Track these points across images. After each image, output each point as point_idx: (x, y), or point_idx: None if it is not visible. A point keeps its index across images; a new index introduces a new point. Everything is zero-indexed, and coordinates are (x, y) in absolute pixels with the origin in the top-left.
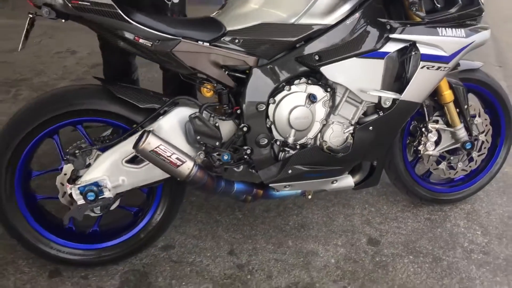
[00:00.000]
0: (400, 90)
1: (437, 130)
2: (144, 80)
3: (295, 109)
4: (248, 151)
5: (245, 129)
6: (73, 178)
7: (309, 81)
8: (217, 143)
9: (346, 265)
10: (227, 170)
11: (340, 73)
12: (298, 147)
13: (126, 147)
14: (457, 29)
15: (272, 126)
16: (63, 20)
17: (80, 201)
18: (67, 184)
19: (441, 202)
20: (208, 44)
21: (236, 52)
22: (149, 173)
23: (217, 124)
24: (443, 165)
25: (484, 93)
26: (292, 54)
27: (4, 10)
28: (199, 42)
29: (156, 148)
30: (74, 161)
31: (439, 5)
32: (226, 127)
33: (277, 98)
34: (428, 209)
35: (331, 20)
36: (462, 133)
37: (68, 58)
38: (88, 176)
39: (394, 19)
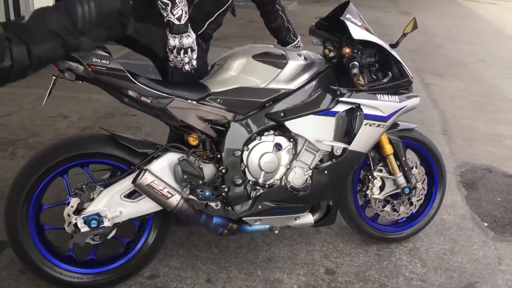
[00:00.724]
0: (349, 142)
1: (381, 178)
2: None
3: (264, 155)
4: (226, 189)
5: (223, 170)
6: (78, 210)
7: (276, 133)
8: (200, 182)
9: None
10: (207, 207)
11: (300, 127)
12: (267, 186)
13: (124, 184)
14: (392, 96)
15: (246, 169)
16: (80, 82)
17: (84, 228)
18: (73, 215)
19: (388, 240)
20: (195, 102)
21: (218, 109)
22: (142, 206)
23: (200, 166)
24: (388, 208)
25: (419, 149)
26: (263, 111)
27: None
28: (189, 100)
29: (151, 182)
30: (81, 195)
31: (374, 77)
32: (208, 169)
33: (250, 146)
34: (377, 246)
35: (293, 85)
36: (401, 181)
37: (60, 122)
38: (92, 208)
39: (344, 87)
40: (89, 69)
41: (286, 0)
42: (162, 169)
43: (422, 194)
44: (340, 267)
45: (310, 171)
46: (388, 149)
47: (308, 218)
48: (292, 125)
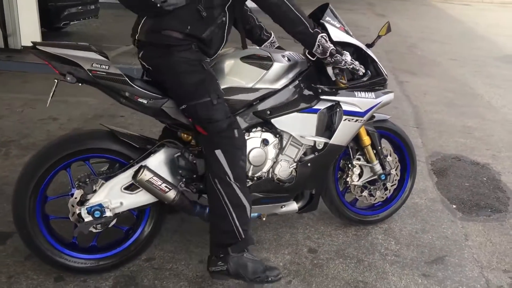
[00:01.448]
0: (329, 136)
1: (360, 166)
2: None
3: (252, 150)
4: None
5: None
6: (82, 201)
7: (263, 129)
8: (194, 176)
9: (292, 267)
10: (200, 199)
11: (285, 123)
12: (255, 179)
13: (124, 177)
14: (369, 93)
15: None
16: (80, 84)
17: (88, 218)
18: (77, 205)
19: (365, 222)
20: None
21: None
22: (141, 198)
23: (194, 161)
24: (365, 193)
25: (393, 138)
26: (251, 109)
27: None
28: None
29: (149, 178)
30: (85, 187)
31: (355, 76)
32: (201, 164)
33: None
34: (355, 228)
35: (278, 85)
36: (378, 168)
37: (50, 124)
38: (94, 199)
39: (324, 84)
40: (90, 74)
41: None
42: (159, 164)
43: (395, 180)
44: (321, 246)
45: (295, 164)
46: (366, 140)
47: (292, 206)
48: (278, 122)
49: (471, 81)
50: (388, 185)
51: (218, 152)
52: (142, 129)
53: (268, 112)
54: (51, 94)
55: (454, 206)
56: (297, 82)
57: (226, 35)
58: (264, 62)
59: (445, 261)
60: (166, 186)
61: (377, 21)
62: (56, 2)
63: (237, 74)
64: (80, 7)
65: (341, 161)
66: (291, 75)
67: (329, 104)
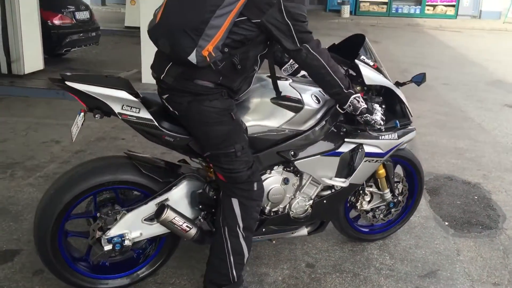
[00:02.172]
0: (347, 176)
1: (371, 193)
2: None
3: (272, 188)
4: None
5: None
6: (102, 227)
7: (285, 169)
8: (213, 210)
9: (290, 281)
10: None
11: (308, 166)
12: (272, 214)
13: (146, 209)
14: (392, 133)
15: None
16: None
17: (108, 247)
18: (98, 231)
19: (362, 240)
20: None
21: None
22: (160, 228)
23: (215, 197)
24: (370, 214)
25: (406, 165)
26: (275, 148)
27: None
28: None
29: (172, 219)
30: (107, 219)
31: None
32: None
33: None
34: (351, 244)
35: (305, 127)
36: (388, 196)
37: (53, 146)
38: (116, 230)
39: (349, 118)
40: (120, 118)
41: None
42: (180, 198)
43: (401, 206)
44: (319, 261)
45: (311, 201)
46: (382, 173)
47: (302, 231)
48: (301, 164)
49: (463, 104)
50: (393, 210)
51: (235, 201)
52: (144, 151)
53: (292, 153)
54: (79, 128)
55: (446, 223)
56: (323, 123)
57: (254, 79)
58: (294, 105)
59: (437, 275)
60: (187, 226)
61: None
62: (58, 29)
63: (265, 115)
64: (81, 34)
65: None
66: (318, 116)
67: (352, 146)
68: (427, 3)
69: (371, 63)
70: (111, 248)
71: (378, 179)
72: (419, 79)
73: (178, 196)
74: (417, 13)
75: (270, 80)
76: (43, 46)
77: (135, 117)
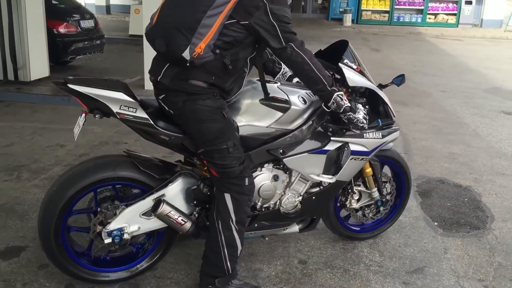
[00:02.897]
0: (335, 172)
1: (359, 192)
2: None
3: (263, 185)
4: None
5: None
6: (102, 221)
7: (275, 166)
8: (207, 206)
9: (283, 275)
10: None
11: (296, 163)
12: (263, 210)
13: (143, 204)
14: (376, 132)
15: None
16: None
17: (107, 240)
18: (98, 225)
19: (353, 238)
20: None
21: None
22: (157, 223)
23: (209, 193)
24: (359, 213)
25: (393, 166)
26: (264, 147)
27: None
28: None
29: (168, 213)
30: (107, 213)
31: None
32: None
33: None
34: (343, 242)
35: (293, 126)
36: (376, 194)
37: (58, 150)
38: (115, 224)
39: (335, 117)
40: (118, 117)
41: None
42: (176, 194)
43: (389, 205)
44: (311, 258)
45: (301, 197)
46: (369, 171)
47: (294, 228)
48: (289, 161)
49: (459, 111)
50: (381, 209)
51: (227, 196)
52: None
53: (281, 151)
54: (80, 127)
55: (435, 224)
56: (310, 122)
57: (244, 82)
58: (281, 105)
59: (424, 271)
60: (182, 220)
61: (371, 55)
62: (63, 37)
63: (255, 115)
64: (86, 42)
65: None
66: (305, 116)
67: (338, 144)
68: (428, 12)
69: (354, 66)
70: (111, 241)
71: (366, 178)
72: (398, 81)
73: (174, 192)
74: (419, 21)
75: (259, 83)
76: (49, 53)
77: (132, 116)
